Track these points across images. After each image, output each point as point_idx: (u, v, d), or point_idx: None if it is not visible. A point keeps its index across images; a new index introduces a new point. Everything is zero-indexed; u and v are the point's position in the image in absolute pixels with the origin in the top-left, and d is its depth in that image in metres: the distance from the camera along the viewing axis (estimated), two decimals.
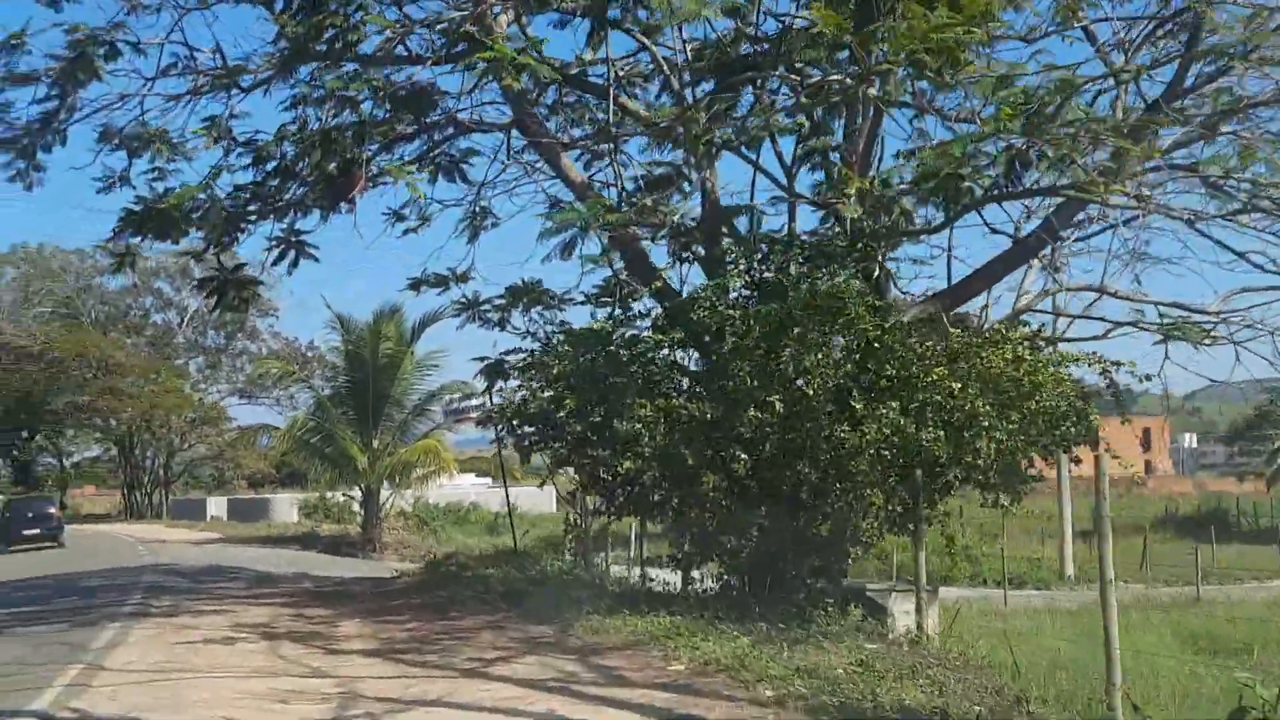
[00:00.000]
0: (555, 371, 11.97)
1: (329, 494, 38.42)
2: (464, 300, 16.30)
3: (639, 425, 11.27)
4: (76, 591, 16.78)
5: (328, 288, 63.11)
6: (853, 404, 10.81)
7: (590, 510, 17.35)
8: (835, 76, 9.86)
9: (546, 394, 12.47)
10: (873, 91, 10.17)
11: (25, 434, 57.14)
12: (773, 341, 11.14)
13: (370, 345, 27.20)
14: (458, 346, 78.88)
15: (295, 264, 14.75)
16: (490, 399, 17.50)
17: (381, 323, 27.28)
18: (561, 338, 14.67)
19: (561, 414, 11.94)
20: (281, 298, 52.40)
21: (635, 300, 15.40)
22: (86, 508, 63.42)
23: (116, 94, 12.16)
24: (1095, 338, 15.05)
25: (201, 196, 11.67)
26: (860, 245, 12.23)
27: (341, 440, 27.59)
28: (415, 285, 16.40)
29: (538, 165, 15.11)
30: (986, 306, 13.97)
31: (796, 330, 10.80)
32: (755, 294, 12.44)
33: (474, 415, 20.98)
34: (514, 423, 12.82)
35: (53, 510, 34.08)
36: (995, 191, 10.00)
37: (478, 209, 15.84)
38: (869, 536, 11.73)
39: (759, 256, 12.58)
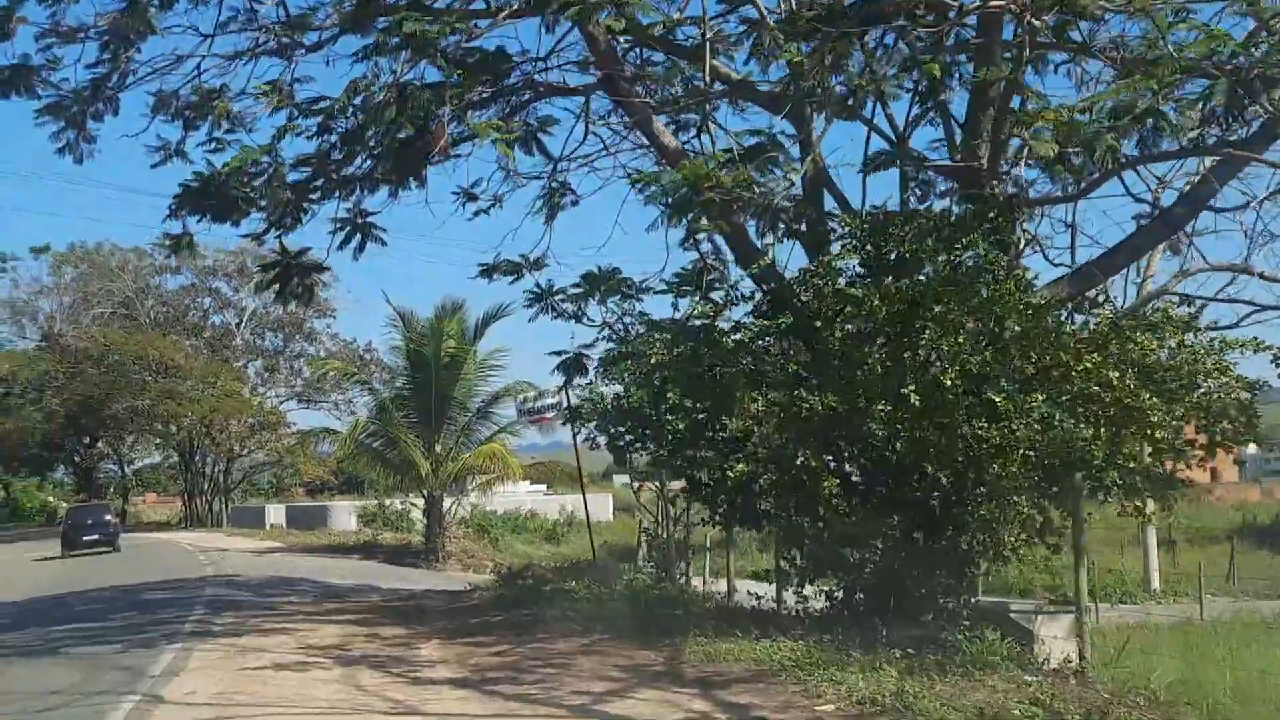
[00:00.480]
0: (654, 361, 10.69)
1: (387, 501, 37.65)
2: (537, 289, 15.33)
3: (750, 422, 9.99)
4: (136, 605, 15.85)
5: (386, 286, 62.46)
6: (991, 396, 9.41)
7: (671, 517, 16.15)
8: (997, 3, 8.44)
9: (638, 389, 11.21)
10: (1038, 22, 8.74)
11: (87, 439, 57.43)
12: (904, 324, 9.79)
13: (432, 344, 26.11)
14: (525, 341, 78.14)
15: (362, 248, 13.82)
16: (567, 396, 16.36)
17: (444, 320, 26.18)
18: (643, 329, 13.64)
19: (658, 410, 10.68)
20: (338, 298, 51.81)
21: (719, 287, 14.32)
22: (148, 515, 63.58)
23: (171, 55, 11.16)
24: (1228, 326, 13.59)
25: (265, 160, 10.57)
26: (993, 216, 10.80)
27: (404, 444, 26.56)
28: (488, 272, 15.39)
29: (625, 134, 13.91)
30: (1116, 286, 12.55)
31: (936, 309, 9.40)
32: (870, 273, 11.05)
33: (549, 415, 19.76)
34: (607, 420, 11.55)
35: (110, 517, 35.60)
36: (1215, 133, 8.49)
37: (555, 185, 14.69)
38: (1010, 549, 10.28)
39: (875, 230, 11.16)
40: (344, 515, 40.74)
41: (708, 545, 18.83)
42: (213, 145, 12.20)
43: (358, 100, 10.40)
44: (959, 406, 9.34)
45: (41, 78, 12.16)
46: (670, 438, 10.67)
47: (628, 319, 15.03)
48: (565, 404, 15.96)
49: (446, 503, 27.93)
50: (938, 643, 9.60)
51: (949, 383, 9.31)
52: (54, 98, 12.24)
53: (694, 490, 11.11)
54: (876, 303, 10.03)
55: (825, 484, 9.57)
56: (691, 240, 15.97)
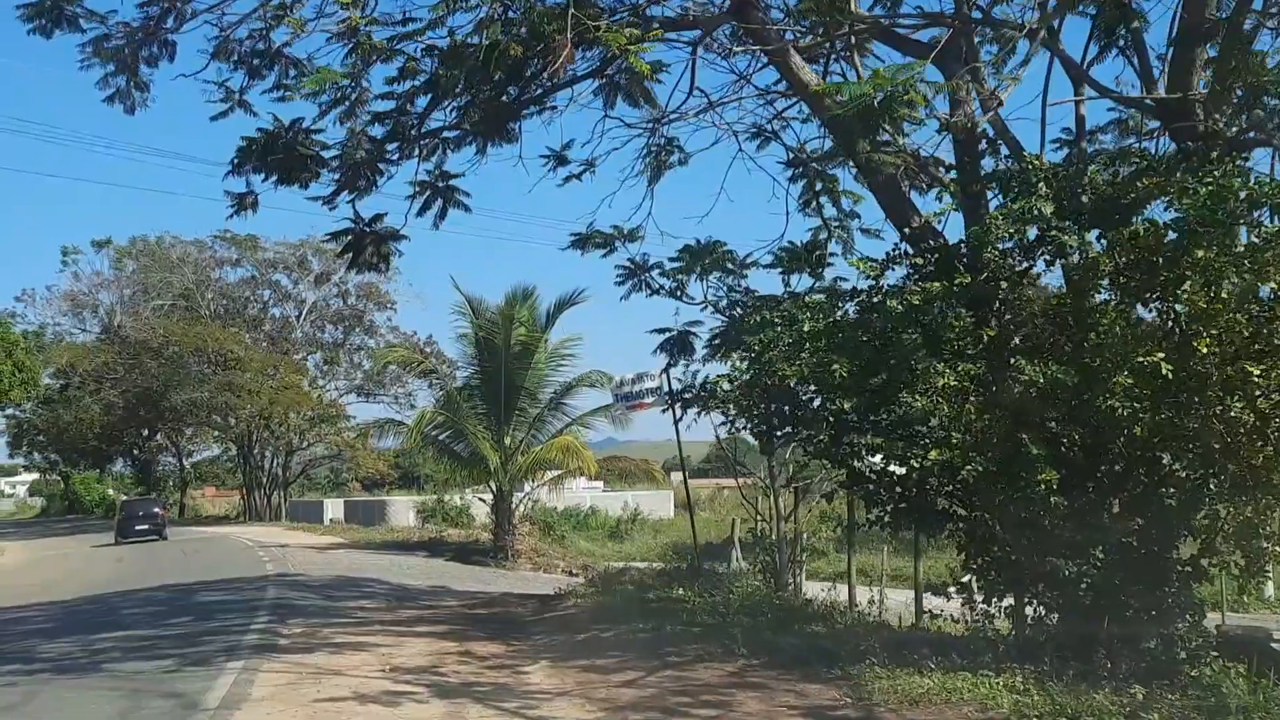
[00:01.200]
0: (807, 329, 8.77)
1: (446, 496, 36.24)
2: (629, 264, 13.75)
3: (940, 400, 8.06)
4: (192, 609, 14.27)
5: (447, 279, 60.76)
6: (1248, 368, 7.39)
7: (780, 515, 14.35)
8: None
9: (787, 364, 9.26)
10: None
11: (145, 432, 56.96)
12: (1144, 277, 7.78)
13: (503, 331, 24.46)
14: (599, 331, 76.76)
15: (443, 214, 12.25)
16: (668, 378, 14.64)
17: (514, 306, 24.51)
18: (749, 305, 12.09)
19: (814, 387, 8.78)
20: (399, 291, 50.68)
21: (832, 260, 12.91)
22: (207, 509, 63.14)
23: None
24: None
25: (347, 83, 8.89)
26: (1215, 156, 8.72)
27: (472, 436, 24.94)
28: (580, 242, 13.82)
29: (747, 79, 12.12)
30: None
31: (1199, 254, 7.36)
32: (1063, 221, 9.00)
33: (648, 400, 17.95)
34: (754, 401, 9.62)
35: (158, 510, 39.30)
36: None
37: (662, 141, 12.91)
38: (1269, 559, 8.21)
39: (1073, 172, 9.10)
40: (403, 510, 39.58)
41: (804, 546, 16.96)
42: (279, 92, 10.72)
43: (452, 21, 8.63)
44: (1214, 380, 7.37)
45: (85, 8, 10.69)
46: (830, 419, 8.75)
47: (734, 294, 13.51)
48: (667, 387, 14.16)
49: (515, 498, 26.32)
50: (1172, 677, 7.68)
51: (1204, 350, 7.33)
52: (100, 31, 10.74)
53: (855, 484, 9.15)
54: (1097, 253, 8.08)
55: (1044, 477, 7.60)
56: (814, 204, 14.24)
